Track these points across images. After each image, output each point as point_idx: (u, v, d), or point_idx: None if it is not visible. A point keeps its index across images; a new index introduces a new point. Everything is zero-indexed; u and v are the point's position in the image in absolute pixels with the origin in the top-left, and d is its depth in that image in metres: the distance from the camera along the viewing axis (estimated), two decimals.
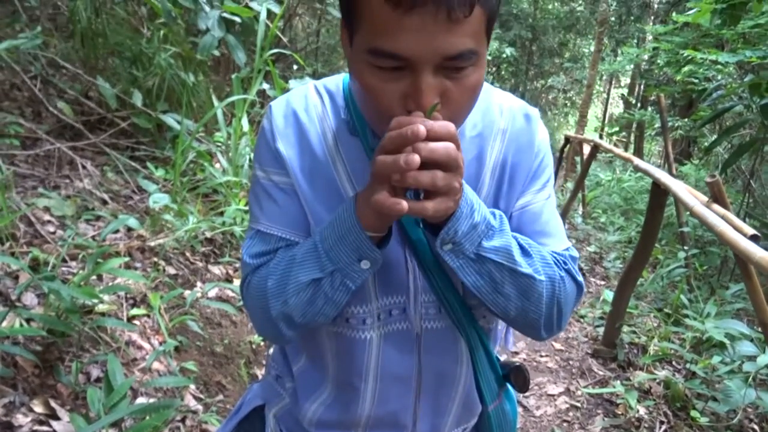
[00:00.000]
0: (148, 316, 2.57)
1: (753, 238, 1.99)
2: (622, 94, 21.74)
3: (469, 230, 0.84)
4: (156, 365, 2.38)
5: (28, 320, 2.10)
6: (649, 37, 12.89)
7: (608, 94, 22.60)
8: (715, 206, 2.46)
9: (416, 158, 0.73)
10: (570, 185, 9.41)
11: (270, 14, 4.08)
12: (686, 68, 5.69)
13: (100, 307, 2.35)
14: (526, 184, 0.99)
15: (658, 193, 3.21)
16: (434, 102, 0.78)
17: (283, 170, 0.96)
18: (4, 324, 1.98)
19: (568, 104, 24.03)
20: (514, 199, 0.99)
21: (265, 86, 4.14)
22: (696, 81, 5.90)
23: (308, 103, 0.99)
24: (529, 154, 0.99)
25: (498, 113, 1.00)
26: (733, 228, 2.08)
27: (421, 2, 0.72)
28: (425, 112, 0.77)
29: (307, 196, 0.96)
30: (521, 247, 0.91)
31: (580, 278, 1.00)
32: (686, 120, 7.97)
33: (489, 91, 1.02)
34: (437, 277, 0.96)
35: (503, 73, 21.86)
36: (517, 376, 1.09)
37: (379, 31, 0.76)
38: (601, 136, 18.50)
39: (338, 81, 1.01)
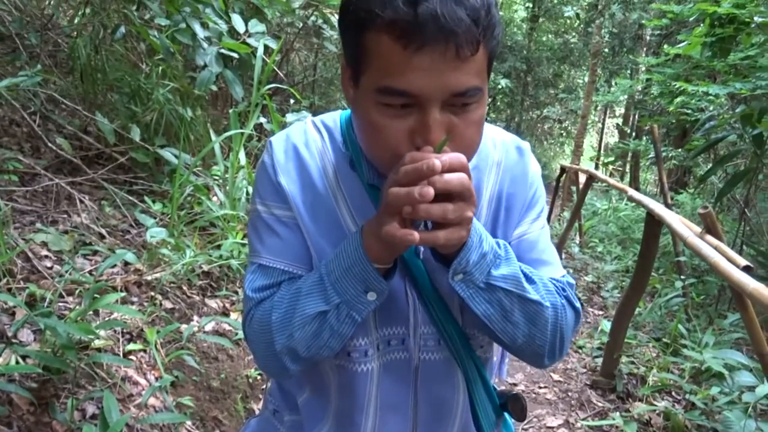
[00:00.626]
0: (145, 350, 2.56)
1: (746, 269, 2.00)
2: (617, 124, 21.95)
3: (479, 259, 0.87)
4: (152, 401, 2.37)
5: (23, 357, 2.09)
6: (642, 68, 13.07)
7: (603, 124, 22.81)
8: (709, 237, 2.48)
9: (431, 191, 0.75)
10: (567, 214, 9.44)
11: (267, 49, 4.15)
12: (678, 99, 5.77)
13: (97, 343, 2.34)
14: (522, 214, 1.02)
15: (653, 223, 3.23)
16: (443, 137, 0.80)
17: (285, 204, 0.97)
18: (0, 361, 1.98)
19: (564, 134, 24.23)
20: (511, 229, 1.01)
21: (262, 120, 4.18)
22: (689, 111, 5.98)
23: (308, 138, 1.01)
24: (524, 186, 1.02)
25: (492, 146, 1.03)
26: (726, 259, 2.10)
27: (430, 41, 0.75)
28: (434, 147, 0.80)
29: (309, 229, 0.97)
30: (525, 274, 0.94)
31: (578, 304, 1.02)
32: (680, 150, 8.05)
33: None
34: (437, 309, 0.97)
35: (499, 104, 22.07)
36: (514, 405, 1.09)
37: (388, 70, 0.79)
38: (597, 166, 18.62)
39: (335, 117, 1.04)
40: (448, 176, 0.76)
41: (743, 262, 2.09)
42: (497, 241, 0.92)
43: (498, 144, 1.04)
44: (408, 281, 0.97)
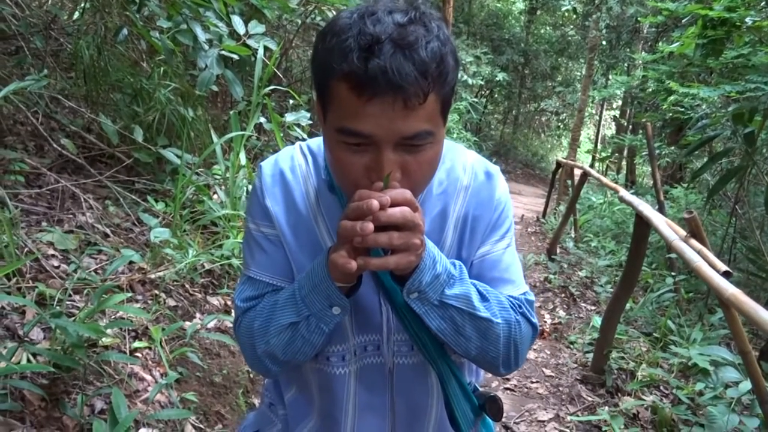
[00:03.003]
0: (150, 348, 2.65)
1: (725, 275, 2.10)
2: (614, 116, 21.99)
3: (432, 280, 0.96)
4: (158, 396, 2.46)
5: (34, 354, 2.18)
6: (639, 62, 13.12)
7: (600, 117, 22.86)
8: (693, 241, 2.57)
9: (370, 225, 0.85)
10: (562, 208, 9.53)
11: (267, 49, 4.21)
12: (671, 97, 5.85)
13: (104, 341, 2.43)
14: (486, 234, 1.11)
15: (642, 224, 3.32)
16: (395, 174, 0.91)
17: (270, 223, 1.09)
18: (13, 359, 2.06)
19: (561, 126, 24.28)
20: (474, 249, 1.11)
21: (262, 120, 4.25)
22: (682, 109, 6.06)
23: (294, 163, 1.12)
24: (489, 208, 1.11)
25: (462, 171, 1.12)
26: (708, 264, 2.19)
27: (380, 93, 0.85)
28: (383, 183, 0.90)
29: (291, 246, 1.09)
30: (480, 293, 1.03)
31: (535, 320, 1.12)
32: (672, 148, 8.12)
33: (455, 150, 1.14)
34: (410, 318, 1.07)
35: (496, 96, 22.12)
36: (491, 406, 1.19)
37: (346, 114, 0.89)
38: (593, 158, 18.69)
39: (320, 142, 1.13)
40: (391, 211, 0.86)
41: (723, 267, 2.18)
42: (452, 262, 1.01)
43: (468, 168, 1.13)
44: (382, 294, 1.08)
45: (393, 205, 0.86)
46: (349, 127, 0.88)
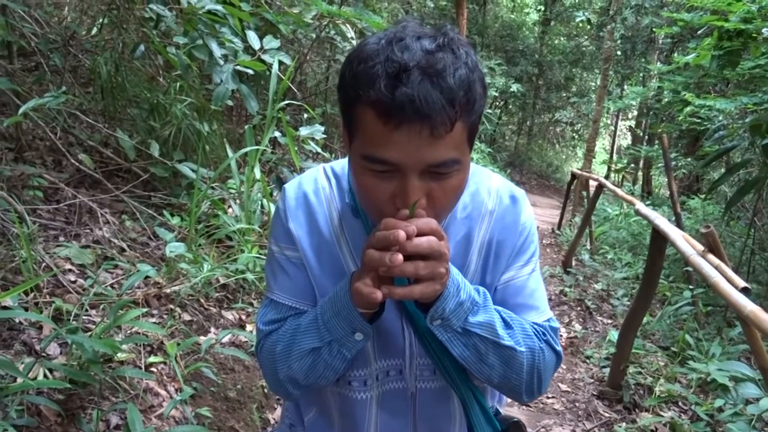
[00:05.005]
0: (165, 363, 2.66)
1: (744, 291, 2.07)
2: (630, 126, 21.87)
3: (455, 307, 0.95)
4: (172, 411, 2.47)
5: (50, 370, 2.20)
6: (654, 73, 13.06)
7: (616, 128, 22.73)
8: (711, 256, 2.54)
9: (399, 257, 0.85)
10: (577, 220, 9.46)
11: (281, 64, 4.24)
12: (688, 108, 5.82)
13: (120, 356, 2.44)
14: (510, 259, 1.10)
15: (658, 238, 3.28)
16: (420, 201, 0.90)
17: (294, 246, 1.08)
18: (30, 374, 2.08)
19: (576, 137, 24.19)
20: (499, 274, 1.09)
21: (277, 134, 4.28)
22: (698, 120, 6.03)
23: (317, 186, 1.11)
24: (514, 233, 1.10)
25: (486, 195, 1.11)
26: (726, 280, 2.16)
27: (407, 121, 0.84)
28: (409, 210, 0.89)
29: (314, 270, 1.08)
30: (504, 320, 1.02)
31: (559, 348, 1.10)
32: (689, 159, 8.06)
33: (480, 174, 1.13)
34: (432, 342, 1.05)
35: (511, 107, 22.09)
36: (514, 431, 1.18)
37: (372, 142, 0.88)
38: (609, 169, 18.58)
39: (344, 164, 1.13)
40: (417, 240, 0.86)
41: (741, 283, 2.15)
42: (477, 288, 1.00)
43: (493, 192, 1.11)
44: (404, 318, 1.07)
45: (419, 234, 0.86)
46: (375, 154, 0.88)
